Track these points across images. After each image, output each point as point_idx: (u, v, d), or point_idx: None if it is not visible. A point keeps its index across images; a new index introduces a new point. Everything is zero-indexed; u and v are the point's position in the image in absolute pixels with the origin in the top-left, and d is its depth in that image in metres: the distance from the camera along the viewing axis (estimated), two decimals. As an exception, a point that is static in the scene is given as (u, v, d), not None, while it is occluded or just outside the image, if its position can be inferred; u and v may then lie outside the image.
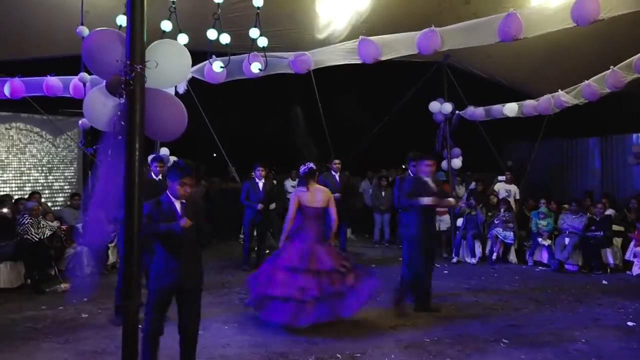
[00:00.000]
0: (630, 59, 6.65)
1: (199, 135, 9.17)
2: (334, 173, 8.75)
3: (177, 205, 3.79)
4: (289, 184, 11.74)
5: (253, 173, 8.45)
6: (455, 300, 6.36)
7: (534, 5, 6.34)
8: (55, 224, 7.66)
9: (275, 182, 11.82)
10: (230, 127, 12.38)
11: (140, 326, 2.95)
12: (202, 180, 12.11)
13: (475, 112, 9.98)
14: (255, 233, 8.57)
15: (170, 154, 9.09)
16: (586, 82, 7.67)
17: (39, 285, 6.81)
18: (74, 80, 6.76)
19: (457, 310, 5.99)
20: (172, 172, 3.78)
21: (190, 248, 3.78)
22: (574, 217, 8.66)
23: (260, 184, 8.31)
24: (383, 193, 10.76)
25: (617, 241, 8.48)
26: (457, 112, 10.16)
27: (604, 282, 7.53)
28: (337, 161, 8.78)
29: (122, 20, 4.22)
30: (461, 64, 10.28)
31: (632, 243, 8.16)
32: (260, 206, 8.16)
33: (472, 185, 10.63)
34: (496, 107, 9.68)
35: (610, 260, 8.23)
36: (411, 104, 10.56)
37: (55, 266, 7.25)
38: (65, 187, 10.37)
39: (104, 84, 2.94)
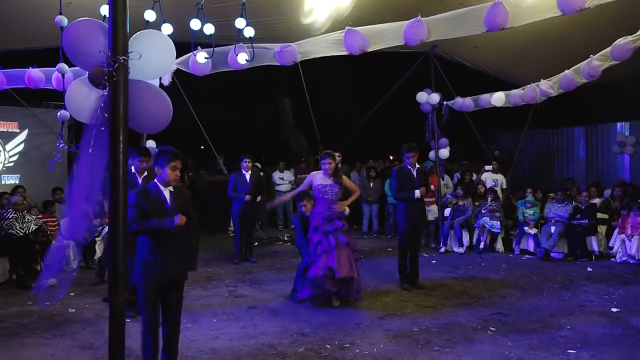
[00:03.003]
0: (607, 49, 6.71)
1: (186, 127, 9.10)
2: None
3: (166, 194, 3.65)
4: (277, 175, 11.72)
5: (240, 164, 8.41)
6: (443, 290, 6.41)
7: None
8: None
9: (262, 173, 11.80)
10: (218, 119, 12.29)
11: (128, 320, 2.94)
12: (189, 173, 12.08)
13: (464, 102, 10.02)
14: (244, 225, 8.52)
15: (157, 147, 9.02)
16: (565, 72, 7.74)
17: (25, 280, 6.73)
18: (56, 71, 6.65)
19: (445, 299, 6.04)
20: (161, 157, 3.60)
21: (180, 240, 3.68)
22: (559, 205, 8.75)
23: (247, 176, 8.26)
24: (371, 184, 10.77)
25: (602, 229, 8.60)
26: (445, 102, 10.19)
27: (589, 269, 7.64)
28: (337, 154, 8.72)
29: (106, 10, 4.13)
30: (448, 54, 10.29)
31: (616, 231, 8.29)
32: (247, 197, 8.11)
33: (457, 175, 10.72)
34: (484, 97, 9.73)
35: (595, 247, 8.35)
36: (399, 95, 10.56)
37: (40, 261, 7.15)
38: (49, 181, 10.22)
39: (87, 75, 2.89)
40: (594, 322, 5.17)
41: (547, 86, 8.31)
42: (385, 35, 6.24)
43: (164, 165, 3.58)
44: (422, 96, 10.10)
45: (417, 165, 6.54)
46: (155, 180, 3.67)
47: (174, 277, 3.67)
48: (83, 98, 2.84)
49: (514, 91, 9.18)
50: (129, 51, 2.73)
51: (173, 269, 3.64)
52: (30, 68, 7.19)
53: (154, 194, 3.61)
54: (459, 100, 10.05)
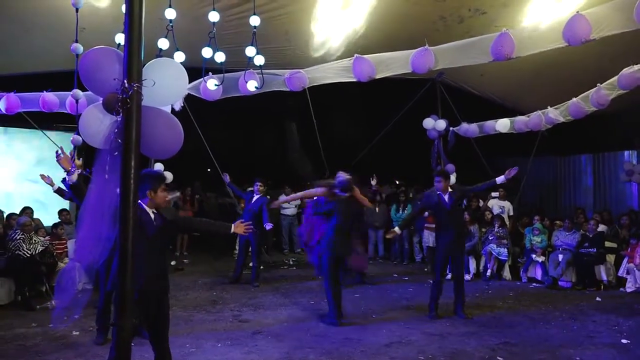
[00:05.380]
0: (614, 77, 6.76)
1: (193, 150, 9.17)
2: None
3: (151, 215, 3.62)
4: (283, 199, 11.72)
5: (252, 187, 8.50)
6: (449, 317, 6.34)
7: (526, 25, 6.45)
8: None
9: (268, 197, 11.82)
10: (225, 143, 12.39)
11: (133, 345, 2.93)
12: (197, 195, 12.14)
13: (469, 128, 10.07)
14: (250, 249, 8.52)
15: (165, 170, 9.08)
16: (573, 100, 7.78)
17: (30, 301, 6.72)
18: (70, 97, 6.77)
19: (451, 327, 5.97)
20: (146, 182, 3.55)
21: (153, 254, 3.61)
22: (567, 233, 8.69)
23: (254, 198, 8.32)
24: (377, 209, 10.76)
25: (610, 258, 8.51)
26: (451, 128, 10.25)
27: (598, 299, 7.53)
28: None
29: (121, 38, 4.25)
30: (455, 81, 10.39)
31: (625, 260, 8.20)
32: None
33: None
34: (489, 123, 9.78)
35: (604, 277, 8.24)
36: (405, 121, 10.64)
37: (46, 282, 7.16)
38: (57, 203, 10.30)
39: (101, 101, 2.95)
40: (604, 354, 5.09)
41: (555, 114, 8.34)
42: (393, 63, 6.33)
43: (156, 189, 3.57)
44: (428, 122, 10.17)
45: (450, 190, 6.43)
46: (140, 201, 3.51)
47: (148, 285, 3.56)
48: (97, 123, 2.90)
49: (518, 118, 9.23)
50: (143, 78, 2.79)
51: (147, 278, 3.54)
52: (45, 92, 7.33)
53: (141, 213, 3.50)
54: (464, 125, 10.10)
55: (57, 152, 3.82)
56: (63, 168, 3.87)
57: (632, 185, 11.69)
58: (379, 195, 10.99)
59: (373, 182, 8.80)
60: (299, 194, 6.73)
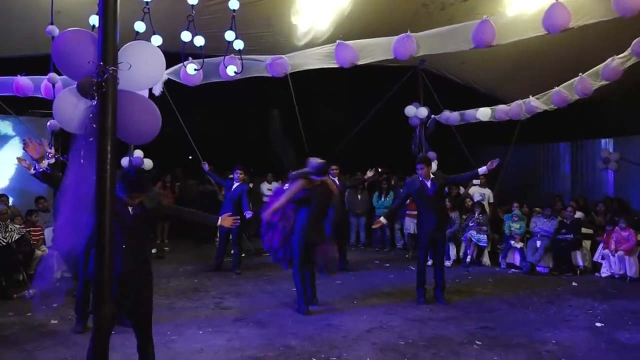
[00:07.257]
0: (597, 67, 6.84)
1: (174, 137, 9.06)
2: (333, 178, 8.67)
3: (130, 208, 3.58)
4: (265, 187, 11.70)
5: (232, 175, 8.41)
6: (429, 303, 6.42)
7: (507, 13, 6.49)
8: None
9: (251, 185, 11.77)
10: (207, 129, 12.26)
11: (113, 332, 2.90)
12: (177, 183, 12.02)
13: (450, 116, 10.13)
14: (230, 236, 8.48)
15: (145, 157, 8.97)
16: (556, 88, 7.86)
17: (7, 290, 6.60)
18: (45, 80, 6.61)
19: (431, 312, 6.04)
20: (121, 185, 3.46)
21: (131, 240, 3.58)
22: (545, 220, 8.84)
23: (234, 186, 8.25)
24: (359, 196, 10.79)
25: (586, 243, 8.69)
26: (433, 116, 10.30)
27: (574, 283, 7.70)
28: (334, 167, 8.69)
29: (95, 20, 4.13)
30: (436, 69, 10.42)
31: (601, 245, 8.38)
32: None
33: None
34: (470, 112, 9.86)
35: (580, 262, 8.43)
36: (387, 108, 10.64)
37: (23, 271, 7.04)
38: (34, 190, 10.11)
39: (75, 85, 2.88)
40: (579, 337, 5.21)
41: (537, 102, 8.42)
42: (375, 49, 6.32)
43: (123, 194, 3.48)
44: (410, 110, 10.20)
45: (432, 176, 6.47)
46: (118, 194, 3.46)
47: (128, 273, 3.55)
48: (72, 108, 2.82)
49: (499, 106, 9.32)
50: (119, 62, 2.73)
51: (127, 267, 3.53)
52: (19, 76, 7.14)
53: (119, 203, 3.45)
54: (445, 113, 10.16)
55: (23, 140, 3.72)
56: (30, 156, 3.78)
57: (608, 173, 11.93)
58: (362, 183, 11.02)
59: (370, 173, 8.87)
60: (283, 199, 6.32)
